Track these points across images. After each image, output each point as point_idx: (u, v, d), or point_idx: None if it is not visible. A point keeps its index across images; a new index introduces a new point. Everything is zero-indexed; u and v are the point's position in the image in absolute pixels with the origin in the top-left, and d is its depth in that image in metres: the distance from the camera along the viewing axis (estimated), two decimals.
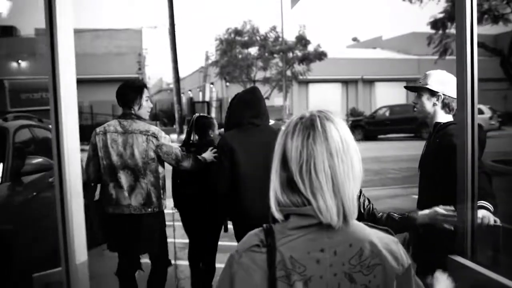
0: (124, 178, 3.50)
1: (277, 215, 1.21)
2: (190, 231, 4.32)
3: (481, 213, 2.10)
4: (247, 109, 3.36)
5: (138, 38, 31.09)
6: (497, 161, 12.70)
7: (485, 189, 2.28)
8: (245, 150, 3.26)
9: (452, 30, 13.30)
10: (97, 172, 3.64)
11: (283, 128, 1.26)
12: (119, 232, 3.62)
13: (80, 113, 26.47)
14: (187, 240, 6.16)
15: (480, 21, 13.29)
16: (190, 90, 42.17)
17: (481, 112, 24.52)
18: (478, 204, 2.01)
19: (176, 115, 22.94)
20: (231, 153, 3.24)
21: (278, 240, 1.18)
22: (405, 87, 3.11)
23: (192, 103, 29.98)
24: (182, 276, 5.12)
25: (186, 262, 5.54)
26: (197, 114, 4.34)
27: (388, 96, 32.70)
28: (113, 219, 3.59)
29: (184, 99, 30.57)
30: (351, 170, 1.18)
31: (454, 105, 2.67)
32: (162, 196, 3.68)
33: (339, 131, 1.20)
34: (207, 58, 31.63)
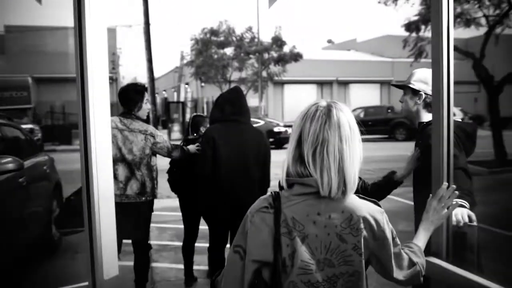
0: (121, 171, 3.85)
1: (284, 184, 1.48)
2: (186, 216, 4.76)
3: (455, 210, 2.07)
4: (230, 107, 3.79)
5: (112, 37, 30.62)
6: (469, 162, 12.94)
7: (461, 186, 2.23)
8: (225, 142, 3.70)
9: (426, 33, 13.50)
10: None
11: (301, 112, 1.51)
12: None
13: (52, 113, 25.97)
14: (163, 242, 6.05)
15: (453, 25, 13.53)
16: (164, 90, 41.83)
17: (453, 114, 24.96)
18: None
19: (151, 116, 22.66)
20: (212, 143, 3.68)
21: (283, 204, 1.46)
22: (392, 84, 3.10)
23: (166, 103, 29.73)
24: (158, 279, 5.03)
25: (162, 264, 5.46)
26: (194, 114, 5.20)
27: (363, 97, 33.04)
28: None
29: (158, 100, 30.27)
30: (354, 154, 1.45)
31: None
32: (155, 186, 4.03)
33: (349, 121, 1.47)
34: (182, 58, 31.43)
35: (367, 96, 33.97)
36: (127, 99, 4.00)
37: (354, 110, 26.72)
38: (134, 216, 3.85)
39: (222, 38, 25.86)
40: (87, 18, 1.44)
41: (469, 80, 35.71)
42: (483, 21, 13.42)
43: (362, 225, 1.45)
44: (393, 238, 1.54)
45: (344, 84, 35.77)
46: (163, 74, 43.12)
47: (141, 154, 3.87)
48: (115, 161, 3.76)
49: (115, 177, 3.79)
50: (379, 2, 13.57)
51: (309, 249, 1.43)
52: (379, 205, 1.54)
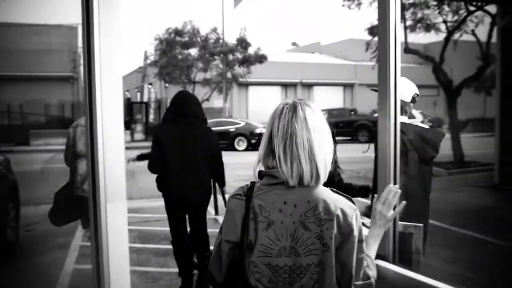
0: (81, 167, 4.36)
1: (256, 176, 1.64)
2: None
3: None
4: (175, 108, 4.28)
5: (74, 35, 29.90)
6: None
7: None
8: (170, 139, 4.16)
9: None
10: (68, 158, 4.66)
11: (271, 113, 1.62)
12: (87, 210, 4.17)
13: (9, 112, 25.13)
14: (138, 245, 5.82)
15: (413, 29, 13.87)
16: (127, 91, 41.15)
17: (412, 117, 25.57)
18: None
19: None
20: (158, 141, 4.16)
21: (255, 193, 1.60)
22: (372, 89, 3.09)
23: (129, 103, 29.24)
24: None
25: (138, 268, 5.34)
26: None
27: (326, 100, 33.43)
28: (82, 200, 4.45)
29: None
30: (324, 144, 1.56)
31: (407, 108, 3.00)
32: None
33: (315, 114, 1.58)
34: (146, 58, 30.98)
35: (330, 98, 34.39)
36: None
37: None
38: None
39: (186, 39, 25.64)
40: (95, 14, 1.31)
41: (428, 84, 36.67)
42: (442, 26, 13.81)
43: (326, 216, 1.51)
44: (360, 241, 1.56)
45: (308, 86, 36.11)
46: (126, 74, 42.44)
47: None
48: (84, 157, 4.30)
49: (79, 172, 4.41)
50: (343, 6, 13.77)
51: (274, 235, 1.54)
52: (352, 202, 1.59)
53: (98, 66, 1.29)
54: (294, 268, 1.52)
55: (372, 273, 1.63)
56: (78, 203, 4.47)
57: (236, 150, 20.94)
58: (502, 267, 5.24)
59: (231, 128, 21.51)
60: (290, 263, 1.52)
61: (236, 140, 21.42)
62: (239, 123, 22.11)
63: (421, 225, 2.05)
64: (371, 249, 1.74)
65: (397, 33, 1.83)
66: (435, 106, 35.59)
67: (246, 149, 21.12)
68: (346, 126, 24.29)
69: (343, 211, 1.53)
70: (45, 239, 6.57)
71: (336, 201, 1.55)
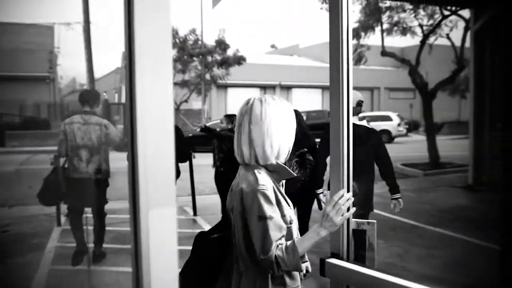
0: (84, 154, 5.05)
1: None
2: None
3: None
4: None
5: (50, 34, 29.44)
6: (405, 165, 13.50)
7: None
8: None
9: (366, 40, 13.96)
10: (66, 150, 5.14)
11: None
12: (78, 190, 5.21)
13: None
14: (103, 245, 5.90)
15: (390, 33, 14.08)
16: (105, 92, 40.72)
17: (389, 119, 25.94)
18: None
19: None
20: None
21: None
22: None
23: (107, 105, 28.93)
24: (97, 282, 4.89)
25: (103, 268, 5.30)
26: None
27: (305, 102, 33.61)
28: (76, 181, 5.14)
29: None
30: (264, 133, 1.85)
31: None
32: (108, 165, 5.28)
33: (262, 107, 1.87)
34: (124, 59, 30.71)
35: (309, 100, 34.60)
36: (85, 100, 5.26)
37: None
38: (93, 187, 5.27)
39: None
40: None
41: (405, 87, 37.16)
42: (418, 30, 14.06)
43: (236, 189, 1.87)
44: (262, 218, 1.76)
45: (287, 88, 36.28)
46: (104, 75, 41.99)
47: (99, 141, 5.17)
48: (80, 147, 5.08)
49: (80, 159, 5.09)
50: (321, 9, 13.90)
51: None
52: (263, 186, 1.80)
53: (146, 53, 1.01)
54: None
55: (281, 255, 1.73)
56: (68, 184, 5.20)
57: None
58: (475, 264, 5.36)
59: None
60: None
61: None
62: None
63: (374, 221, 2.07)
64: (303, 242, 1.77)
65: (349, 35, 1.84)
66: (411, 108, 36.12)
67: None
68: (324, 128, 24.43)
69: (242, 189, 1.83)
70: (20, 240, 6.48)
71: (244, 179, 1.86)
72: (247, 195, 1.80)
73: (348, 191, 1.85)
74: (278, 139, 1.87)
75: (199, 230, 6.43)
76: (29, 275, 5.05)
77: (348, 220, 1.90)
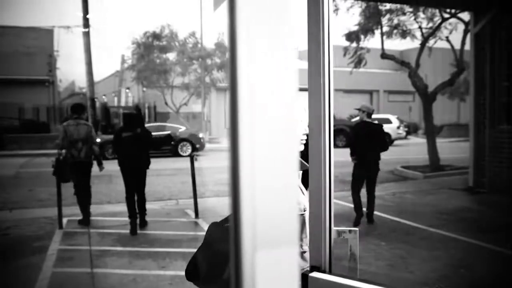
0: (79, 145, 7.31)
1: None
2: (126, 178, 7.23)
3: None
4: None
5: (49, 38, 29.46)
6: (405, 167, 13.51)
7: None
8: None
9: (365, 43, 13.98)
10: (66, 143, 7.32)
11: None
12: (77, 170, 7.35)
13: None
14: (105, 247, 5.92)
15: (389, 36, 14.10)
16: (104, 95, 40.73)
17: (389, 121, 25.97)
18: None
19: (90, 120, 21.98)
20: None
21: None
22: (356, 109, 5.23)
23: (106, 108, 28.95)
24: (100, 285, 4.88)
25: (105, 270, 5.30)
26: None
27: (304, 105, 33.62)
28: (74, 164, 7.30)
29: (97, 104, 29.42)
30: None
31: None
32: (99, 152, 7.72)
33: None
34: (123, 62, 30.72)
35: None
36: (77, 109, 7.64)
37: None
38: (86, 168, 7.51)
39: (164, 43, 25.54)
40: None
41: (404, 90, 37.22)
42: (418, 33, 14.09)
43: None
44: None
45: None
46: (103, 78, 42.02)
47: (88, 136, 7.41)
48: (78, 141, 7.32)
49: (76, 149, 7.31)
50: None
51: None
52: None
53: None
54: None
55: None
56: (72, 168, 7.30)
57: (180, 156, 19.82)
58: (477, 265, 5.37)
59: (176, 133, 20.36)
60: None
61: (180, 145, 20.32)
62: (181, 127, 21.15)
63: (356, 229, 2.06)
64: None
65: (330, 36, 1.75)
66: (410, 111, 36.18)
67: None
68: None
69: None
70: (21, 243, 6.47)
71: None
72: None
73: (330, 197, 1.76)
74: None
75: (201, 233, 6.45)
76: (32, 277, 5.04)
77: (329, 229, 1.82)
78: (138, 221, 7.08)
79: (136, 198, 7.17)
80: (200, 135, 21.09)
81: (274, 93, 0.65)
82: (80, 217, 7.48)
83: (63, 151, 7.34)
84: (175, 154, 19.83)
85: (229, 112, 0.65)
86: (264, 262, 0.63)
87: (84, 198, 7.49)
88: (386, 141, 7.58)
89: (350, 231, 1.97)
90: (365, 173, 7.10)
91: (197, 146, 20.54)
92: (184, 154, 19.95)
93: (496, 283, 4.94)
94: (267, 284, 0.64)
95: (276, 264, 0.60)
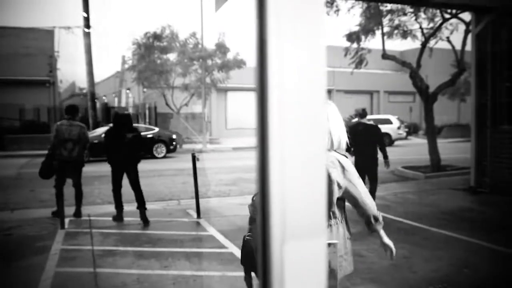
0: (70, 145, 7.62)
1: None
2: (114, 174, 7.73)
3: None
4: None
5: (50, 38, 29.46)
6: (406, 167, 13.51)
7: None
8: None
9: (366, 43, 13.98)
10: (57, 143, 7.66)
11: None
12: (65, 169, 7.72)
13: None
14: (107, 247, 5.94)
15: (390, 36, 14.10)
16: (104, 96, 40.73)
17: (389, 122, 25.96)
18: None
19: (91, 121, 22.00)
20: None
21: None
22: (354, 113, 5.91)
23: (107, 108, 28.94)
24: (103, 285, 4.87)
25: (108, 270, 5.30)
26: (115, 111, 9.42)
27: None
28: (62, 163, 7.66)
29: (98, 105, 29.43)
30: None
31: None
32: (86, 152, 8.04)
33: (327, 109, 2.63)
34: (123, 62, 30.72)
35: None
36: (71, 111, 7.95)
37: None
38: (75, 167, 7.87)
39: (165, 43, 25.53)
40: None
41: (404, 91, 37.21)
42: (418, 33, 14.08)
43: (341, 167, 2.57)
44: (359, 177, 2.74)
45: None
46: (103, 79, 42.02)
47: (80, 136, 7.71)
48: (67, 140, 7.62)
49: (65, 148, 7.62)
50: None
51: None
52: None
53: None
54: None
55: None
56: (59, 165, 7.68)
57: (155, 157, 19.45)
58: (480, 264, 5.37)
59: (149, 134, 19.65)
60: None
61: (155, 146, 19.78)
62: (153, 129, 20.78)
63: (336, 241, 2.01)
64: None
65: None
66: (411, 112, 36.18)
67: (164, 156, 19.86)
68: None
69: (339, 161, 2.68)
70: (24, 243, 6.47)
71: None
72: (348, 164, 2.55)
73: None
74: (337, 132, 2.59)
75: (203, 233, 6.44)
76: (35, 277, 5.04)
77: None
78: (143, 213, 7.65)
79: (134, 195, 7.69)
80: (174, 136, 20.75)
81: (303, 92, 0.68)
82: (55, 209, 7.89)
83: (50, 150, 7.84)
84: (151, 155, 19.34)
85: (257, 110, 0.67)
86: (292, 253, 0.65)
87: (75, 194, 7.97)
88: (382, 138, 8.33)
89: (329, 244, 1.89)
90: (363, 169, 7.19)
91: (171, 147, 20.16)
92: (159, 156, 19.65)
93: (499, 283, 4.94)
94: (295, 275, 0.66)
95: (304, 255, 0.64)
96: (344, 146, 2.57)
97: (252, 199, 2.95)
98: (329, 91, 37.16)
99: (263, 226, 0.69)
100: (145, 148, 18.25)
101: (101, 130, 18.16)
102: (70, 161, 7.68)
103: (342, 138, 2.57)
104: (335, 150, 2.54)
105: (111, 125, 8.11)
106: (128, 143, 7.54)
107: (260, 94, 0.73)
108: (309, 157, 0.69)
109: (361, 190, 2.56)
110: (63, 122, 7.80)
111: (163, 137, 20.21)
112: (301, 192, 0.67)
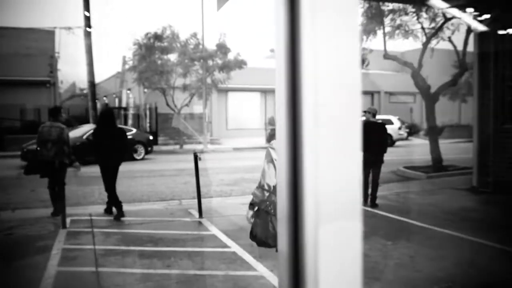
0: (50, 145, 7.94)
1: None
2: (104, 174, 7.95)
3: None
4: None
5: (50, 39, 29.42)
6: (407, 167, 13.47)
7: None
8: None
9: (367, 44, 13.95)
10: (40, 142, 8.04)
11: None
12: (47, 169, 7.99)
13: None
14: (109, 246, 5.89)
15: (392, 36, 14.07)
16: (105, 96, 40.71)
17: (390, 122, 25.93)
18: None
19: (91, 122, 21.95)
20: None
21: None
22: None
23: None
24: (106, 284, 4.83)
25: (110, 269, 5.27)
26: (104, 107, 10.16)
27: None
28: (44, 163, 7.97)
29: (98, 105, 29.40)
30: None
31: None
32: (69, 153, 8.10)
33: None
34: (124, 63, 30.67)
35: None
36: (54, 112, 8.37)
37: None
38: (56, 167, 7.83)
39: (166, 44, 25.47)
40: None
41: (405, 91, 37.16)
42: (419, 33, 14.05)
43: None
44: None
45: None
46: (104, 79, 41.98)
47: (60, 137, 7.97)
48: (49, 141, 7.95)
49: (47, 149, 7.94)
50: None
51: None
52: None
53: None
54: None
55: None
56: (41, 165, 8.05)
57: (134, 159, 18.33)
58: (484, 264, 5.33)
59: (129, 135, 18.00)
60: None
61: (134, 148, 18.67)
62: (131, 130, 19.84)
63: None
64: None
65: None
66: (411, 112, 36.14)
67: (143, 158, 18.86)
68: None
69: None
70: (25, 243, 6.43)
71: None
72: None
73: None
74: None
75: (205, 232, 6.41)
76: (37, 277, 5.01)
77: None
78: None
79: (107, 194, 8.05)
80: (151, 137, 20.11)
81: (338, 92, 0.68)
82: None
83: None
84: (130, 157, 17.91)
85: (286, 107, 0.66)
86: (327, 236, 0.63)
87: (58, 193, 7.90)
88: (387, 137, 8.99)
89: None
90: (370, 163, 8.25)
91: (149, 149, 19.41)
92: (138, 158, 18.72)
93: (503, 282, 4.90)
94: (330, 258, 0.63)
95: (339, 238, 0.60)
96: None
97: (257, 188, 3.79)
98: None
99: (294, 212, 0.67)
100: (129, 147, 17.37)
101: (81, 131, 17.73)
102: (51, 161, 7.91)
103: None
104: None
105: (93, 125, 8.50)
106: (114, 140, 7.90)
107: (291, 94, 0.74)
108: (344, 143, 0.69)
109: None
110: (46, 124, 8.23)
111: (141, 138, 19.42)
112: (335, 179, 0.65)
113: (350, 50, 0.76)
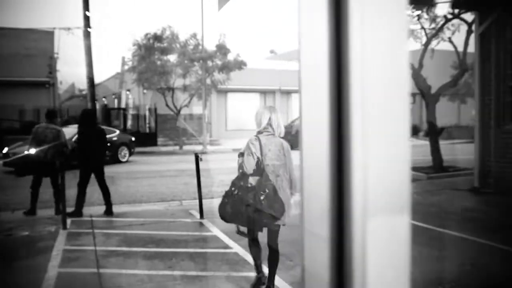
0: (45, 146, 7.97)
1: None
2: (82, 173, 8.12)
3: None
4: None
5: (50, 39, 29.37)
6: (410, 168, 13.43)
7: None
8: None
9: None
10: (35, 143, 8.14)
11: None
12: (41, 169, 8.15)
13: None
14: (110, 248, 5.88)
15: None
16: (104, 97, 40.66)
17: None
18: None
19: None
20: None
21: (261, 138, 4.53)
22: None
23: (107, 109, 28.87)
24: (107, 285, 4.80)
25: (111, 270, 5.23)
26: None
27: None
28: (38, 164, 8.08)
29: (98, 106, 29.38)
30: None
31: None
32: (66, 153, 8.25)
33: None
34: (123, 63, 30.64)
35: None
36: (51, 115, 8.47)
37: (296, 119, 27.07)
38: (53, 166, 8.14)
39: (165, 44, 25.44)
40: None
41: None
42: (419, 35, 14.03)
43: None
44: None
45: (287, 93, 36.29)
46: (103, 80, 41.95)
47: (55, 138, 8.09)
48: (45, 142, 8.06)
49: (42, 151, 8.04)
50: None
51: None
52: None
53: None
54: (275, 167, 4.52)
55: None
56: (34, 166, 8.23)
57: (120, 161, 17.84)
58: (487, 264, 5.31)
59: (113, 137, 17.82)
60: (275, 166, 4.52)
61: (119, 150, 18.18)
62: (115, 131, 19.14)
63: None
64: None
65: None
66: (411, 113, 36.10)
67: (127, 161, 18.32)
68: None
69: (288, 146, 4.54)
70: (25, 244, 6.40)
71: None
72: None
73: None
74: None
75: (206, 233, 6.37)
76: (37, 278, 4.97)
77: None
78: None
79: (101, 191, 8.23)
80: (133, 139, 19.63)
81: (387, 93, 0.70)
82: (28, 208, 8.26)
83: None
84: (115, 160, 17.60)
85: (332, 107, 0.66)
86: (375, 230, 0.63)
87: (58, 193, 8.14)
88: None
89: None
90: None
91: (132, 150, 18.96)
92: (123, 160, 18.19)
93: (506, 282, 4.88)
94: (378, 251, 0.64)
95: (387, 232, 0.62)
96: (282, 134, 4.39)
97: (238, 156, 4.62)
98: None
99: (339, 206, 0.65)
100: (114, 149, 17.41)
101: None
102: (45, 162, 8.05)
103: (282, 129, 4.41)
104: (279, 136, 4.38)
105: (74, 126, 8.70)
106: (93, 140, 8.10)
107: (336, 93, 0.73)
108: (393, 140, 0.69)
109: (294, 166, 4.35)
110: (41, 125, 8.41)
111: (124, 140, 18.90)
112: (384, 173, 0.65)
113: (398, 49, 0.75)
